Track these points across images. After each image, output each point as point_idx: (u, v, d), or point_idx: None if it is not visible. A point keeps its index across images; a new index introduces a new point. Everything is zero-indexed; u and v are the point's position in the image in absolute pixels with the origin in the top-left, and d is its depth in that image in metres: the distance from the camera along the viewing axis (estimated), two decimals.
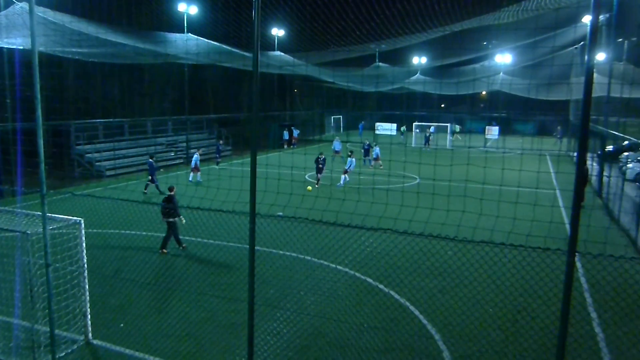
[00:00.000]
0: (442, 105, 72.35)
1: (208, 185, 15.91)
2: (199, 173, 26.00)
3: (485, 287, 11.07)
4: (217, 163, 32.19)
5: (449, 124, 52.20)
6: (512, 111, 57.27)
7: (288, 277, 12.37)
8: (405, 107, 62.71)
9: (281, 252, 13.96)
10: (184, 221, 14.26)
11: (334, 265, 12.90)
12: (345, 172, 25.91)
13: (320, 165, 24.49)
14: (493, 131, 52.28)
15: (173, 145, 38.00)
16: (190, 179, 25.60)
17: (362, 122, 64.95)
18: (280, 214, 12.44)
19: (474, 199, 11.18)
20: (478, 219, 10.57)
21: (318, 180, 24.29)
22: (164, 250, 13.94)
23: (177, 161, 35.90)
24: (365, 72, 43.88)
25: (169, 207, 13.93)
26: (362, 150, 35.63)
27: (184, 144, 37.47)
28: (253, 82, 7.21)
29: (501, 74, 46.28)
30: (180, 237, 14.24)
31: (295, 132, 50.09)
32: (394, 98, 61.33)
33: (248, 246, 7.76)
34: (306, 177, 26.46)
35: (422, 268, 12.17)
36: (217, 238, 15.26)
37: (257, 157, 7.59)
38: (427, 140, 47.96)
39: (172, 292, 11.05)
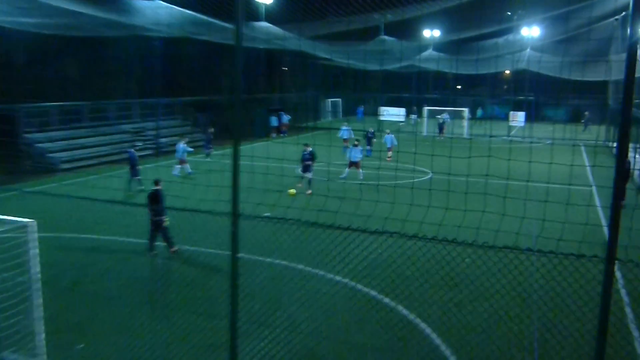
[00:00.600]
0: (459, 87, 72.48)
1: (182, 182, 15.92)
2: (187, 165, 26.66)
3: (509, 300, 11.13)
4: (208, 154, 32.26)
5: (466, 109, 52.31)
6: (541, 94, 57.42)
7: (277, 290, 12.37)
8: (415, 88, 62.82)
9: (268, 259, 13.95)
10: (167, 223, 14.49)
11: (331, 275, 12.92)
12: (353, 164, 26.01)
13: (307, 162, 22.62)
14: (518, 117, 52.41)
15: (140, 133, 37.93)
16: (176, 172, 26.23)
17: (362, 106, 65.03)
18: (268, 214, 12.44)
19: (496, 198, 11.19)
20: (501, 220, 10.58)
21: (302, 179, 22.59)
22: (174, 249, 14.57)
23: (146, 152, 35.79)
24: (368, 48, 43.88)
25: (156, 208, 14.25)
26: (366, 139, 35.79)
27: (154, 132, 37.41)
28: (235, 58, 7.20)
29: (528, 50, 46.39)
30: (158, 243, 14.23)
31: (285, 118, 50.09)
32: (402, 78, 61.40)
33: (229, 253, 7.77)
34: (297, 170, 26.50)
35: (434, 278, 12.20)
36: (194, 243, 15.24)
37: (241, 148, 7.59)
38: (440, 127, 48.01)
39: (141, 308, 11.05)
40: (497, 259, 10.28)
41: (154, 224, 14.48)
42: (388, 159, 31.97)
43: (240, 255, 8.09)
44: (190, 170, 26.40)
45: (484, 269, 11.41)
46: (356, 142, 26.98)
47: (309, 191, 21.78)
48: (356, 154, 26.10)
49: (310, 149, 22.95)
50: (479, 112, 62.51)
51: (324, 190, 20.18)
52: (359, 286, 12.81)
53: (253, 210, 9.29)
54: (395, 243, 11.28)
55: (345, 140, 36.26)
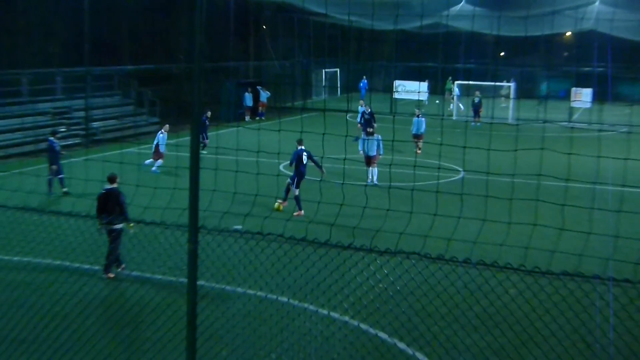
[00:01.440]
0: (502, 54, 72.64)
1: (122, 182, 15.93)
2: (160, 160, 28.21)
3: (568, 345, 11.16)
4: (204, 146, 32.32)
5: (511, 84, 52.47)
6: (614, 64, 57.60)
7: (252, 330, 12.36)
8: (442, 56, 63.05)
9: (240, 289, 13.92)
10: (132, 230, 14.98)
11: (325, 312, 12.91)
12: (369, 161, 26.53)
13: (301, 171, 22.33)
14: (583, 96, 52.58)
15: (64, 114, 37.86)
16: (155, 169, 27.74)
17: (365, 78, 65.13)
18: (239, 227, 12.40)
19: (552, 206, 11.20)
20: (558, 236, 10.60)
21: (286, 194, 22.30)
22: (110, 275, 15.20)
23: (73, 140, 35.74)
24: None
25: (113, 214, 14.72)
26: (359, 123, 36.18)
27: (82, 113, 37.33)
28: (195, 13, 7.21)
29: (597, 3, 46.58)
30: (83, 265, 14.25)
31: (264, 95, 50.15)
32: (424, 41, 61.52)
33: (186, 280, 7.77)
34: (281, 167, 26.42)
35: (467, 316, 12.21)
36: (137, 267, 15.23)
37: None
38: (476, 109, 48.15)
39: (64, 354, 11.03)
40: (553, 289, 10.29)
41: (110, 235, 15.06)
42: (418, 151, 32.48)
43: (201, 283, 8.09)
44: (156, 169, 27.78)
45: (535, 304, 11.42)
46: (370, 130, 27.30)
47: (300, 212, 21.61)
48: (372, 147, 26.28)
49: (302, 147, 22.33)
50: (543, 87, 62.35)
51: (315, 194, 20.16)
52: (364, 326, 12.80)
53: (219, 221, 9.27)
54: (413, 267, 11.26)
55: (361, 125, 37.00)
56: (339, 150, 16.55)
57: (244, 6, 53.86)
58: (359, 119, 37.83)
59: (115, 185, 15.65)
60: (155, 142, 28.66)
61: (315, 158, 22.48)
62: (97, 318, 12.51)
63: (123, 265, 15.56)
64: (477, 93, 50.69)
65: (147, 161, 28.21)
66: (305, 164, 22.36)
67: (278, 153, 10.91)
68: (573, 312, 10.98)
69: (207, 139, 33.35)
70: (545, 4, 43.41)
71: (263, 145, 10.91)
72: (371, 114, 36.56)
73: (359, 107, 38.77)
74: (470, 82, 56.01)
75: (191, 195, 7.53)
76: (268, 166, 27.75)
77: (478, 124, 46.17)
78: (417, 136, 33.43)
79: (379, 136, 27.75)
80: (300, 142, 22.43)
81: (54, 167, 24.22)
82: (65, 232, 11.79)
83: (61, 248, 14.11)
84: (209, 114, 34.93)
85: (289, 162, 23.09)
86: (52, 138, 24.83)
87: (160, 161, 28.24)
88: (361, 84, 64.85)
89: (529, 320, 11.73)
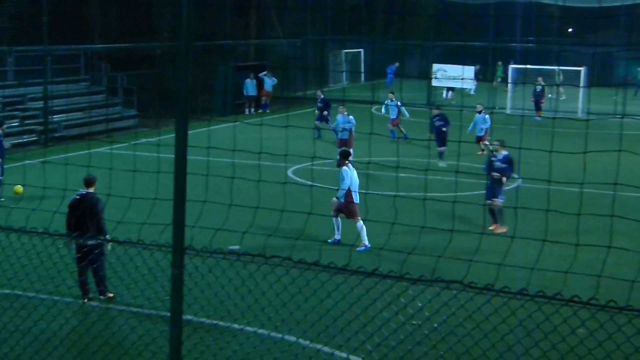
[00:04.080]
0: (570, 31, 72.58)
1: (101, 192, 16.06)
2: None
3: None
4: None
5: (582, 68, 52.34)
6: None
7: None
8: (492, 33, 62.99)
9: (236, 325, 13.94)
10: (109, 248, 15.38)
11: (343, 355, 12.92)
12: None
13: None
14: None
15: (16, 105, 38.04)
16: None
17: (395, 64, 65.20)
18: (236, 247, 12.44)
19: (632, 223, 11.15)
20: (638, 262, 10.57)
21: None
22: (110, 294, 15.93)
23: (27, 137, 35.93)
24: None
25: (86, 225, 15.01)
26: (391, 118, 37.61)
27: (41, 103, 37.49)
28: None
29: None
30: (40, 294, 14.30)
31: (269, 83, 50.23)
32: (470, 14, 61.54)
33: (169, 313, 7.80)
34: (289, 172, 26.52)
35: None
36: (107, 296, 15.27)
37: (190, 132, 7.62)
38: (538, 101, 48.09)
39: None
40: (634, 330, 10.25)
41: (81, 252, 15.02)
42: (481, 152, 34.05)
43: (188, 318, 8.13)
44: None
45: (611, 347, 11.38)
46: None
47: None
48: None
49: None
50: (621, 72, 61.99)
51: (327, 208, 20.14)
52: None
53: (210, 241, 9.30)
54: (454, 300, 11.24)
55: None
56: (361, 153, 16.78)
57: None
58: (389, 111, 38.98)
59: (92, 190, 15.78)
60: None
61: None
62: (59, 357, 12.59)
63: (110, 294, 15.77)
64: (540, 80, 50.53)
65: None
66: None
67: (285, 155, 10.95)
68: None
69: None
70: None
71: (267, 145, 10.95)
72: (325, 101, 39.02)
73: (387, 100, 39.24)
74: (529, 67, 55.95)
75: (176, 207, 7.57)
76: (273, 170, 27.92)
77: (539, 118, 46.13)
78: (481, 137, 34.40)
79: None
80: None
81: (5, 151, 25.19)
82: (17, 253, 11.86)
83: (11, 273, 14.18)
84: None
85: (300, 165, 23.22)
86: None
87: None
88: (389, 70, 64.87)
89: None
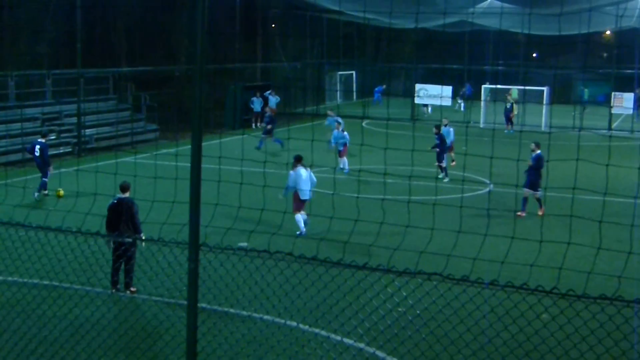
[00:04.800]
0: (534, 55, 72.55)
1: (112, 194, 16.05)
2: None
3: None
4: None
5: (544, 88, 52.35)
6: None
7: (257, 358, 12.33)
8: (467, 57, 63.02)
9: (244, 312, 13.90)
10: (143, 244, 15.25)
11: (337, 338, 12.88)
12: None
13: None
14: (625, 101, 52.42)
15: (54, 120, 38.04)
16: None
17: (381, 85, 65.17)
18: (244, 244, 12.43)
19: (589, 223, 11.15)
20: (595, 256, 10.56)
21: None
22: (133, 289, 15.85)
23: (63, 149, 35.89)
24: None
25: (123, 226, 15.34)
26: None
27: (75, 119, 37.48)
28: (197, 11, 7.26)
29: None
30: (74, 285, 14.27)
31: (273, 100, 50.20)
32: (448, 41, 61.53)
33: (186, 302, 7.78)
34: None
35: (494, 343, 12.16)
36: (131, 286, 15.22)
37: (204, 144, 7.61)
38: (507, 115, 48.06)
39: None
40: (589, 314, 10.23)
41: (122, 253, 15.33)
42: (452, 163, 33.18)
43: (202, 305, 8.11)
44: None
45: (570, 330, 11.35)
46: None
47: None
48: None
49: None
50: (585, 92, 61.81)
51: (327, 209, 20.16)
52: (380, 354, 12.76)
53: (222, 238, 9.29)
54: (435, 290, 11.23)
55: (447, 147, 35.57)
56: (353, 161, 16.84)
57: (251, 3, 54.03)
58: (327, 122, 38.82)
59: (127, 195, 15.88)
60: None
61: None
62: (87, 344, 12.53)
63: (134, 288, 15.86)
64: (509, 97, 50.48)
65: None
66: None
67: (286, 163, 10.93)
68: (612, 340, 10.92)
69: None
70: (581, 0, 43.32)
71: (271, 156, 10.93)
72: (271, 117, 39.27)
73: (328, 117, 39.50)
74: (500, 86, 55.91)
75: (192, 209, 7.56)
76: (276, 177, 27.86)
77: (511, 130, 46.12)
78: (449, 148, 33.41)
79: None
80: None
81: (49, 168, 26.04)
82: (55, 249, 11.84)
83: (49, 266, 14.16)
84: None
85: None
86: (42, 141, 26.18)
87: None
88: (376, 90, 65.07)
89: (562, 349, 11.66)
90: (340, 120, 33.85)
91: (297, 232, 21.00)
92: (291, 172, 21.48)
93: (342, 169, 30.90)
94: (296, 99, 56.63)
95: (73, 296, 14.46)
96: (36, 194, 25.38)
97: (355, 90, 68.05)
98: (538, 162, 23.79)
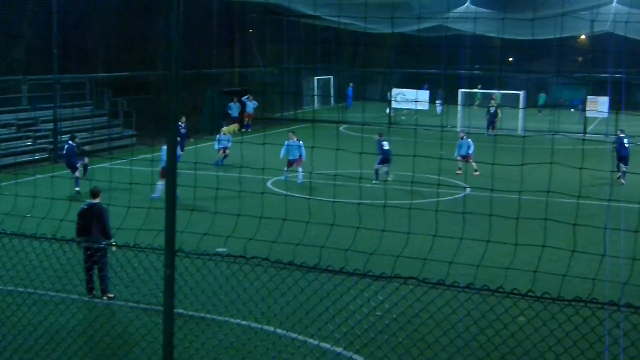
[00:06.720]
0: (510, 59, 72.93)
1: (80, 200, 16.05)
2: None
3: None
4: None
5: (520, 92, 52.60)
6: (634, 70, 57.89)
7: None
8: (445, 61, 63.17)
9: (222, 318, 13.88)
10: (114, 248, 15.04)
11: (314, 342, 12.88)
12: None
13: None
14: (599, 105, 52.76)
15: (29, 127, 37.77)
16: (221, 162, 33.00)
17: (352, 84, 65.27)
18: (223, 250, 12.38)
19: (564, 226, 11.21)
20: (570, 259, 10.62)
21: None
22: (110, 295, 15.68)
23: (39, 155, 35.69)
24: (373, 0, 44.18)
25: (93, 231, 15.27)
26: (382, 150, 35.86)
27: (51, 125, 37.28)
28: (172, 16, 7.23)
29: (614, 3, 46.86)
30: (49, 292, 14.18)
31: (250, 106, 50.19)
32: (425, 45, 61.65)
33: (163, 308, 7.75)
34: (268, 184, 26.45)
35: (470, 347, 12.20)
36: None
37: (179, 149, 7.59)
38: (491, 119, 48.16)
39: None
40: (565, 317, 10.28)
41: (87, 254, 15.30)
42: (475, 172, 32.05)
43: (179, 311, 8.08)
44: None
45: (545, 332, 11.41)
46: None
47: None
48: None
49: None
50: (542, 97, 62.66)
51: (303, 214, 20.15)
52: (358, 358, 12.77)
53: (198, 244, 9.26)
54: (411, 293, 11.25)
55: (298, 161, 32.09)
56: (328, 165, 16.79)
57: (229, 8, 53.95)
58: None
59: (98, 200, 15.86)
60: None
61: None
62: (63, 351, 12.46)
63: (110, 295, 15.72)
64: (493, 102, 50.64)
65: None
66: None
67: (263, 168, 10.92)
68: (587, 342, 10.98)
69: (182, 150, 32.52)
70: (556, 5, 43.64)
71: (248, 160, 10.93)
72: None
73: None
74: (477, 91, 56.23)
75: (167, 215, 7.53)
76: (253, 182, 27.88)
77: (492, 134, 46.24)
78: (466, 156, 33.03)
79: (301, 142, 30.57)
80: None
81: (79, 165, 28.19)
82: (29, 256, 11.76)
83: (24, 273, 14.06)
84: (182, 120, 34.61)
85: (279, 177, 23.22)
86: (72, 143, 28.67)
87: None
88: (348, 91, 65.33)
89: (538, 351, 11.72)
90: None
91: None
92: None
93: (285, 180, 30.16)
94: (273, 104, 56.61)
95: (48, 303, 14.38)
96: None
97: (333, 95, 68.15)
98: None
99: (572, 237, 10.69)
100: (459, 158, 33.00)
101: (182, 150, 32.28)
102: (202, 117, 47.41)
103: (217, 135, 35.76)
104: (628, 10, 45.19)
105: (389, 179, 30.25)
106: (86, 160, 29.67)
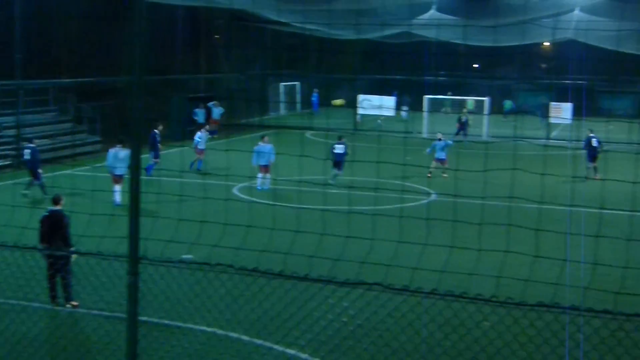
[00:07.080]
0: (475, 66, 73.36)
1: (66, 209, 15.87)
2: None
3: None
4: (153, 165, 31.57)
5: (485, 99, 52.98)
6: (596, 77, 58.51)
7: None
8: (410, 68, 63.42)
9: (188, 325, 13.79)
10: (74, 257, 14.88)
11: (280, 349, 12.84)
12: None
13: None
14: (562, 111, 53.27)
15: None
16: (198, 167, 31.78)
17: (316, 90, 65.38)
18: (189, 257, 12.34)
19: (527, 231, 11.28)
20: (532, 264, 10.68)
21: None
22: (74, 302, 15.34)
23: (2, 162, 35.30)
24: (339, 6, 44.22)
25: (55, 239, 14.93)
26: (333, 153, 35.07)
27: (14, 131, 36.89)
28: (134, 21, 7.19)
29: (576, 11, 47.31)
30: (9, 300, 14.05)
31: (217, 112, 50.01)
32: (391, 52, 61.90)
33: (126, 315, 7.67)
34: (234, 190, 26.32)
35: (435, 352, 12.24)
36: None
37: (144, 155, 7.53)
38: (462, 126, 48.32)
39: None
40: (528, 321, 10.35)
41: (50, 262, 15.01)
42: (444, 175, 33.33)
43: (143, 319, 8.01)
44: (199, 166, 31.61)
45: (509, 337, 11.47)
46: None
47: None
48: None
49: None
50: (508, 103, 63.00)
51: (267, 220, 20.13)
52: None
53: (162, 251, 9.19)
54: (376, 299, 11.26)
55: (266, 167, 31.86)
56: (294, 171, 16.88)
57: (194, 14, 53.80)
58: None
59: (59, 207, 15.70)
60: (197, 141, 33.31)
61: None
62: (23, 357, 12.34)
63: (74, 302, 15.52)
64: (465, 111, 50.93)
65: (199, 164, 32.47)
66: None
67: (226, 175, 10.89)
68: (549, 346, 11.06)
69: (158, 157, 31.99)
70: (520, 12, 43.96)
71: (213, 167, 10.88)
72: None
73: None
74: (443, 97, 56.50)
75: (131, 221, 7.47)
76: (218, 189, 27.76)
77: (465, 139, 46.44)
78: (442, 160, 33.78)
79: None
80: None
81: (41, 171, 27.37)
82: None
83: None
84: (160, 128, 33.99)
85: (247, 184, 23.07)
86: (32, 145, 28.39)
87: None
88: (313, 97, 65.45)
89: (502, 356, 11.77)
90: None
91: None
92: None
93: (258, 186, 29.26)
94: (239, 110, 56.48)
95: (9, 312, 14.23)
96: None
97: (300, 101, 68.26)
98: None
99: (534, 242, 10.77)
100: (434, 161, 33.60)
101: (157, 157, 31.59)
102: (168, 123, 47.19)
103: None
104: (588, 18, 45.62)
105: (331, 181, 30.13)
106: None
